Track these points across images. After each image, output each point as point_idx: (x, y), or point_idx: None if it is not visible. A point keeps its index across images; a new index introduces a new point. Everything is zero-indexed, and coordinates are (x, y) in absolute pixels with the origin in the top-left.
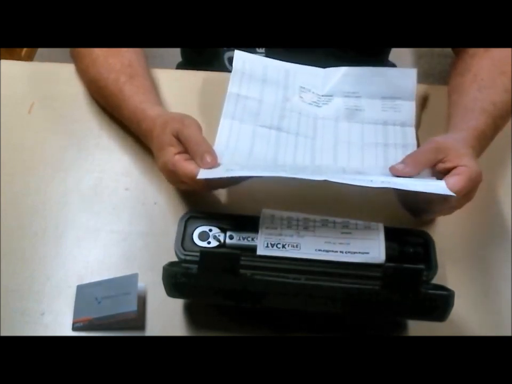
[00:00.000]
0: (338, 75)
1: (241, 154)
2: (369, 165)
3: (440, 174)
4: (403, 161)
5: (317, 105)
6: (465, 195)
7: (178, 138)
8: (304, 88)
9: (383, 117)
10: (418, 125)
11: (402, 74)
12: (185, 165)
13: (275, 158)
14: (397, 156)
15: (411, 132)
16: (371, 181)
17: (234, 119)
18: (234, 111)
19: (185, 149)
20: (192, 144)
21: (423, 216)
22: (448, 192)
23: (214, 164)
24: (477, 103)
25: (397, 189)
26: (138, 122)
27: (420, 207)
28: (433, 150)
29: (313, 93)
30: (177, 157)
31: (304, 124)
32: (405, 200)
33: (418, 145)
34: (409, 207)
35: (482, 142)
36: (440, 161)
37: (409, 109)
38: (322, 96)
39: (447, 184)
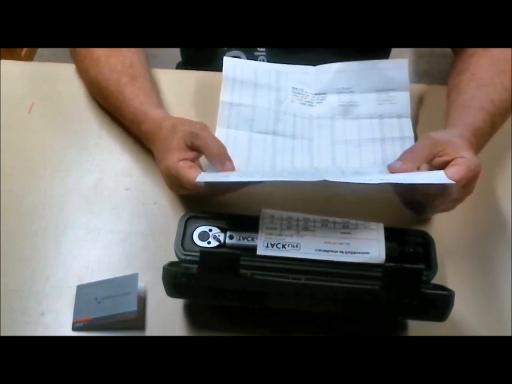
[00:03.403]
0: (330, 72)
1: (239, 162)
2: (368, 162)
3: (438, 169)
4: (400, 158)
5: (311, 105)
6: (465, 186)
7: (192, 142)
8: (296, 88)
9: (378, 110)
10: (417, 125)
11: (394, 65)
12: (190, 172)
13: (273, 163)
14: (395, 151)
15: (407, 123)
16: (370, 179)
17: (230, 128)
18: (228, 119)
19: (199, 152)
20: (211, 148)
21: (425, 213)
22: (448, 181)
23: (233, 169)
24: (474, 101)
25: (396, 185)
26: (139, 124)
27: (421, 203)
28: (429, 145)
29: (306, 92)
30: (181, 163)
31: (300, 125)
32: (405, 197)
33: (416, 138)
34: (410, 204)
35: (480, 138)
36: (437, 155)
37: (404, 99)
38: (315, 94)
39: (446, 175)
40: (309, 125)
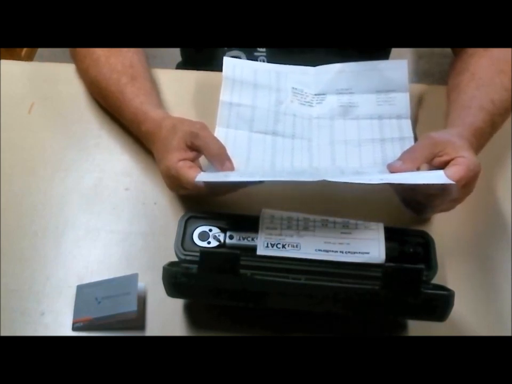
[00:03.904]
0: (330, 72)
1: (239, 162)
2: (368, 163)
3: (438, 169)
4: (400, 158)
5: (310, 105)
6: (465, 186)
7: (192, 142)
8: (296, 89)
9: (378, 111)
10: (417, 125)
11: (393, 66)
12: (189, 172)
13: (273, 163)
14: (394, 151)
15: (407, 124)
16: (370, 179)
17: (229, 127)
18: (228, 119)
19: (199, 152)
20: (211, 148)
21: (425, 213)
22: (448, 180)
23: (233, 169)
24: (474, 101)
25: (396, 185)
26: (139, 124)
27: (421, 203)
28: (429, 145)
29: (306, 92)
30: (180, 163)
31: (299, 125)
32: (405, 197)
33: (415, 139)
34: (410, 204)
35: (480, 138)
36: (437, 155)
37: (403, 100)
38: (315, 95)
39: (446, 174)
40: (309, 125)
